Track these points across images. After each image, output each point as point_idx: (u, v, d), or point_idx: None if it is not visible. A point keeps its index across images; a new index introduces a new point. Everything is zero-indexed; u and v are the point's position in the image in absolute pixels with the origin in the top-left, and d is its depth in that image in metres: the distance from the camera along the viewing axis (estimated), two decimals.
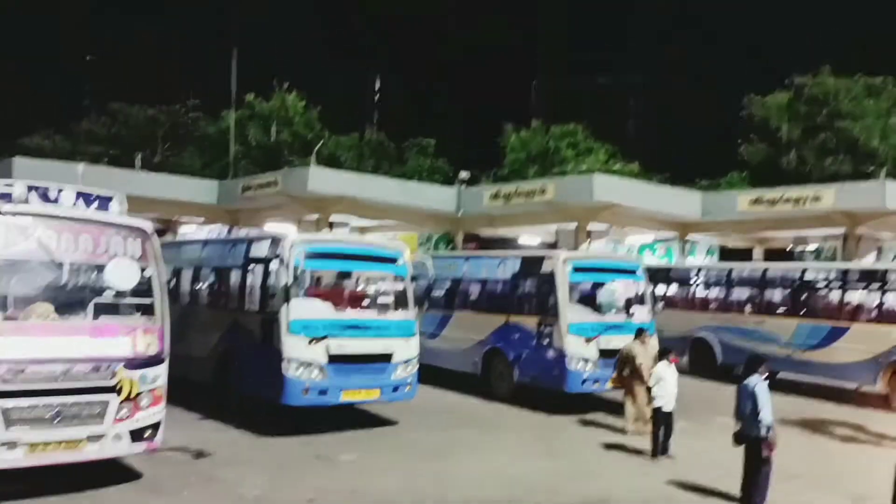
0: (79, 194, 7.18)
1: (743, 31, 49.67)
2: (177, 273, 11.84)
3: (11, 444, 6.14)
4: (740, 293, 16.24)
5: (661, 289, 16.90)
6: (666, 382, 8.99)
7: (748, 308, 15.68)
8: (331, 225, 23.21)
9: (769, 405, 6.87)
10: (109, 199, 7.30)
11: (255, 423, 9.52)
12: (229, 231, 27.26)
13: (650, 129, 44.76)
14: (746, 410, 6.94)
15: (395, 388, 9.98)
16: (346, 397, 9.63)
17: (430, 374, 11.96)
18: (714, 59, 47.33)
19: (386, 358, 9.86)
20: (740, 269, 17.09)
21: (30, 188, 6.91)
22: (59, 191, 7.08)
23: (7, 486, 6.36)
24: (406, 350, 10.09)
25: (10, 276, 6.82)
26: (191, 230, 28.43)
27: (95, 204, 7.20)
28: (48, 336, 6.47)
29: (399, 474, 7.95)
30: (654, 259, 26.42)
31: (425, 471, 8.15)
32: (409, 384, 10.12)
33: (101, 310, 6.79)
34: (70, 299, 6.86)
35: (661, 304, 14.09)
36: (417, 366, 10.26)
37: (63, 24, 53.02)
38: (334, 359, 9.35)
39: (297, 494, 7.02)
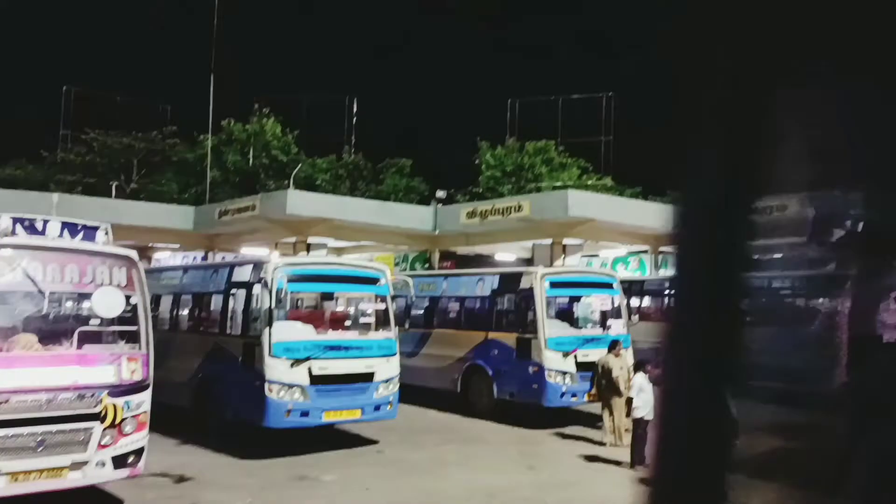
0: (65, 225, 7.28)
1: None
2: (156, 299, 11.88)
3: None
4: None
5: (635, 301, 17.25)
6: (645, 393, 9.22)
7: None
8: (308, 247, 23.29)
9: None
10: (95, 228, 7.41)
11: (235, 447, 9.54)
12: (204, 257, 27.20)
13: (622, 142, 45.56)
14: None
15: (377, 408, 10.10)
16: (328, 418, 9.73)
17: (410, 392, 12.09)
18: None
19: (367, 377, 9.99)
20: None
21: (15, 220, 7.01)
22: (45, 222, 7.18)
23: None
24: (387, 369, 10.24)
25: None
26: (165, 256, 28.31)
27: (81, 234, 7.30)
28: (32, 366, 6.53)
29: (383, 492, 8.06)
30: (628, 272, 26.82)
31: (410, 487, 8.29)
32: (391, 403, 10.25)
33: (85, 338, 6.89)
34: (55, 328, 6.97)
35: (635, 317, 14.39)
36: (398, 385, 10.42)
37: (36, 52, 52.85)
38: (316, 380, 9.46)
39: None
